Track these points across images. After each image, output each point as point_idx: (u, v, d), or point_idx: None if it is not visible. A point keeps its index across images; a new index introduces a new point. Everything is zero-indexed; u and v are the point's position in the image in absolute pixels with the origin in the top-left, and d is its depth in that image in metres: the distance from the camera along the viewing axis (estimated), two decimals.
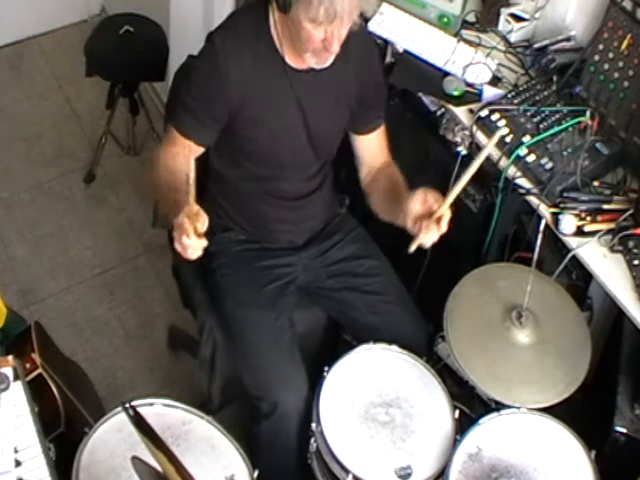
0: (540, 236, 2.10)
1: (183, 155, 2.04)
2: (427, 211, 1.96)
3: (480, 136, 2.32)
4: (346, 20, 1.88)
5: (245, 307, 2.21)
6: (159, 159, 2.07)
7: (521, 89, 2.37)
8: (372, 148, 2.27)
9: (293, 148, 2.15)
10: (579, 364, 2.07)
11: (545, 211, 2.19)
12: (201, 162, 2.16)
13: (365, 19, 2.53)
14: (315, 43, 1.92)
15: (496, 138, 1.94)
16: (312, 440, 2.09)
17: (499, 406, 2.07)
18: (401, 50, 2.53)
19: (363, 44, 2.15)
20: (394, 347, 2.19)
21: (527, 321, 2.07)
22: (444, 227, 1.94)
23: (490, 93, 2.41)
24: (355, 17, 1.91)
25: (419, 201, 1.97)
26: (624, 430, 2.08)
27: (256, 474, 1.96)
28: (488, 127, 2.31)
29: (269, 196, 2.23)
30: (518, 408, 2.05)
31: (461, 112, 2.39)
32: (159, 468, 1.57)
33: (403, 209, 2.00)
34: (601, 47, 2.26)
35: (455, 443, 2.03)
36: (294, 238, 2.32)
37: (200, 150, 2.12)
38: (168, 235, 2.49)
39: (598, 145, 2.24)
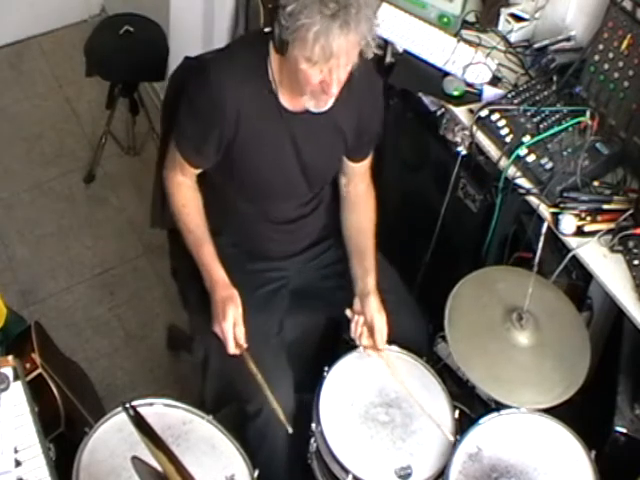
0: (542, 239, 2.10)
1: (189, 180, 2.20)
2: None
3: (480, 136, 2.32)
4: (343, 59, 1.84)
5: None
6: (171, 193, 2.21)
7: (521, 89, 2.37)
8: (356, 171, 2.29)
9: (286, 181, 2.15)
10: (578, 368, 2.06)
11: (545, 211, 2.19)
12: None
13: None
14: (312, 85, 1.90)
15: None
16: (312, 440, 2.09)
17: (499, 406, 2.08)
18: (401, 50, 2.53)
19: (369, 82, 2.13)
20: (394, 347, 2.19)
21: (527, 323, 2.06)
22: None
23: (490, 93, 2.41)
24: (354, 58, 1.87)
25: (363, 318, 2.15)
26: (624, 430, 2.08)
27: (256, 474, 1.96)
28: (488, 127, 2.31)
29: (261, 217, 2.23)
30: (518, 408, 2.05)
31: (461, 112, 2.38)
32: (159, 468, 1.57)
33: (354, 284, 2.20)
34: (601, 47, 2.26)
35: (455, 443, 2.03)
36: (287, 252, 2.31)
37: (200, 170, 2.19)
38: (168, 237, 2.50)
39: (598, 145, 2.24)
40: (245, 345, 2.08)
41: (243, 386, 2.15)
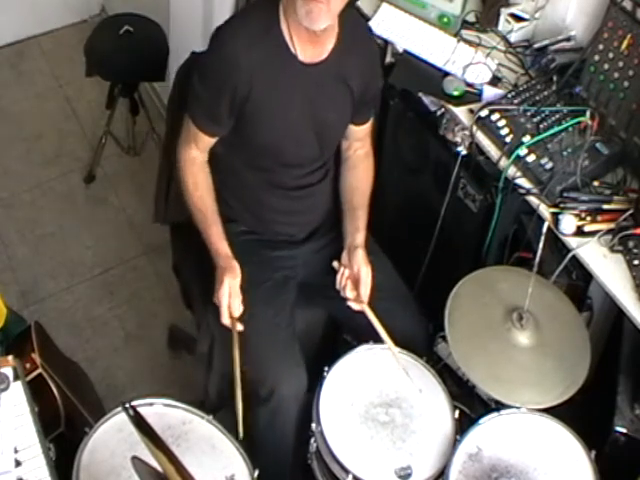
0: (542, 239, 2.10)
1: (202, 156, 2.22)
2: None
3: (480, 136, 2.32)
4: None
5: (244, 302, 2.21)
6: (183, 169, 2.22)
7: (521, 89, 2.37)
8: (357, 135, 2.35)
9: (298, 143, 2.19)
10: (578, 368, 2.06)
11: (545, 211, 2.19)
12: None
13: (365, 19, 2.56)
14: None
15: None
16: (312, 440, 2.09)
17: (499, 406, 2.08)
18: (401, 50, 2.53)
19: (367, 46, 2.23)
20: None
21: (528, 323, 2.07)
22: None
23: (490, 93, 2.41)
24: None
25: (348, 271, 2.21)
26: (624, 430, 2.08)
27: (256, 474, 1.96)
28: (488, 127, 2.31)
29: (269, 185, 2.26)
30: (518, 408, 2.05)
31: (461, 112, 2.38)
32: (159, 468, 1.57)
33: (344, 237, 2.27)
34: (601, 47, 2.26)
35: (455, 443, 2.03)
36: (294, 232, 2.34)
37: (215, 139, 2.21)
38: (170, 231, 2.50)
39: (598, 145, 2.24)
40: (237, 315, 2.11)
41: (254, 369, 2.16)
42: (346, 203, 2.33)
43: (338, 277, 2.22)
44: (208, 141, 2.21)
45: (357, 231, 2.25)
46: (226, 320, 2.12)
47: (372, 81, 2.25)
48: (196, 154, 2.22)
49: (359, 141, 2.36)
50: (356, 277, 2.19)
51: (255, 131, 2.15)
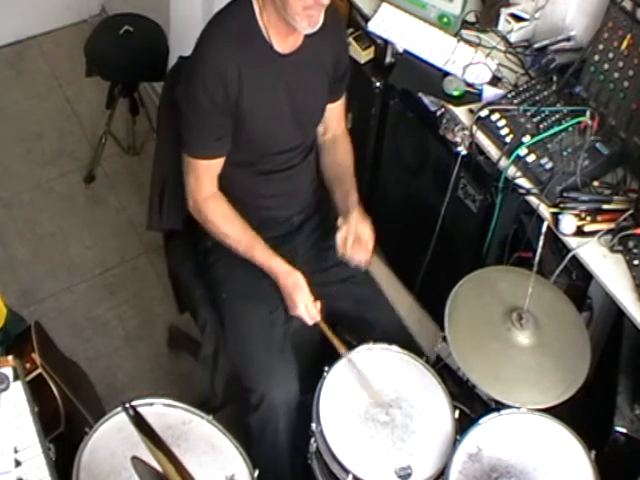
0: (542, 239, 2.10)
1: (214, 187, 2.23)
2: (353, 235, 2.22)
3: (480, 136, 2.32)
4: None
5: (240, 299, 2.23)
6: (204, 211, 2.22)
7: (521, 89, 2.37)
8: (332, 115, 2.36)
9: (284, 132, 2.22)
10: (578, 368, 2.07)
11: (545, 211, 2.19)
12: None
13: (365, 19, 2.56)
14: None
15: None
16: (312, 440, 2.09)
17: (499, 406, 2.08)
18: (401, 50, 2.53)
19: (336, 22, 2.25)
20: (394, 347, 2.19)
21: (527, 323, 2.07)
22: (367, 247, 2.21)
23: (490, 93, 2.41)
24: None
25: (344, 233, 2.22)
26: (624, 430, 2.08)
27: (256, 474, 1.96)
28: (488, 127, 2.31)
29: (257, 174, 2.27)
30: (518, 408, 2.05)
31: (461, 112, 2.39)
32: (159, 468, 1.57)
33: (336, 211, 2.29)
34: (601, 47, 2.26)
35: (455, 443, 2.03)
36: (289, 213, 2.35)
37: (223, 158, 2.21)
38: (164, 239, 2.51)
39: (598, 145, 2.24)
40: (318, 318, 2.21)
41: (245, 376, 2.17)
42: (331, 178, 2.36)
43: (338, 239, 2.21)
44: (217, 165, 2.20)
45: (348, 195, 2.28)
46: (311, 323, 2.21)
47: (342, 55, 2.29)
48: (207, 188, 2.21)
49: (334, 121, 2.37)
50: (357, 235, 2.20)
51: (240, 129, 2.16)
